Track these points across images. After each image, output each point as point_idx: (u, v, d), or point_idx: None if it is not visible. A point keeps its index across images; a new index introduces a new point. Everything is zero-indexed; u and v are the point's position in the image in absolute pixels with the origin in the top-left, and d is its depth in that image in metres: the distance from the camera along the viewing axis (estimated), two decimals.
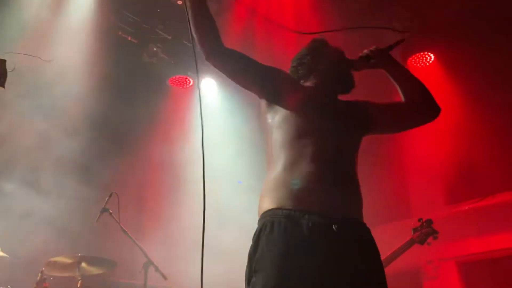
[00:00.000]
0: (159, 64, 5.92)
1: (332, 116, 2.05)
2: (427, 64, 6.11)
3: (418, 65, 6.13)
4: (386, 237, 4.16)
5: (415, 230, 3.49)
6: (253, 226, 1.90)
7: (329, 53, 2.27)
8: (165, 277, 3.90)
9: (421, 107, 2.20)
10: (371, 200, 6.30)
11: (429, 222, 3.49)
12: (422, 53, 5.99)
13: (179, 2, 5.51)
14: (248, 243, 1.86)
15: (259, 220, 1.84)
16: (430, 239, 3.46)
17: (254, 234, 1.82)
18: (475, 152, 5.81)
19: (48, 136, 4.66)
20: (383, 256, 3.34)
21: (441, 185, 6.38)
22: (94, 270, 4.13)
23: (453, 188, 6.27)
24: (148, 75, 5.99)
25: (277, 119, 2.02)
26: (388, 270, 3.33)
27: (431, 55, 6.00)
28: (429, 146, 6.49)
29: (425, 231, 3.46)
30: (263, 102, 2.12)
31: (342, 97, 2.25)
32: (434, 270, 6.11)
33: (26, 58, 3.80)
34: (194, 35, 2.10)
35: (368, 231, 1.93)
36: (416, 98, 2.19)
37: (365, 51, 2.25)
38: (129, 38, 5.71)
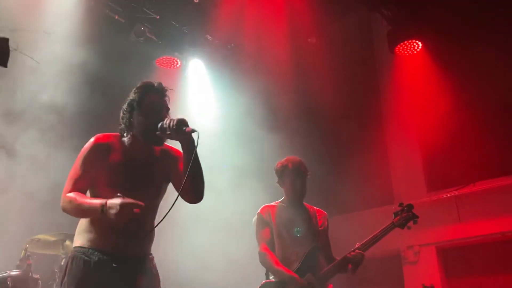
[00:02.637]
0: (146, 44, 5.86)
1: (136, 171, 2.38)
2: (415, 52, 6.13)
3: (406, 53, 6.15)
4: (370, 222, 4.24)
5: (395, 214, 3.54)
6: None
7: (142, 112, 2.42)
8: None
9: (186, 188, 2.34)
10: (355, 187, 6.43)
11: (410, 206, 3.54)
12: (410, 41, 6.00)
13: None
14: None
15: (69, 255, 2.34)
16: (410, 223, 3.51)
17: (65, 265, 2.34)
18: (457, 140, 5.91)
19: (33, 110, 4.62)
20: (365, 239, 3.42)
21: (424, 173, 6.48)
22: None
23: (435, 176, 6.38)
24: (135, 55, 5.92)
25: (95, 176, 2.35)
26: (369, 253, 3.41)
27: (419, 43, 6.01)
28: (413, 134, 6.57)
29: (405, 215, 3.50)
30: None
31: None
32: (414, 255, 6.24)
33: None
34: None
35: (151, 262, 2.44)
36: (188, 181, 2.31)
37: (166, 121, 2.33)
38: (116, 17, 5.63)
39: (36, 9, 4.93)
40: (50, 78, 4.84)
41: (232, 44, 6.32)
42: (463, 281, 5.95)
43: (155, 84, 2.51)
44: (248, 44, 6.06)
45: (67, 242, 3.96)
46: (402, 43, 6.01)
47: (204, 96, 6.53)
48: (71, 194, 2.24)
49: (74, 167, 2.35)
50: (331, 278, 3.37)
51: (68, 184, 2.30)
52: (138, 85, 2.52)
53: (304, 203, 3.61)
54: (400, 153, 6.69)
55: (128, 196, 2.17)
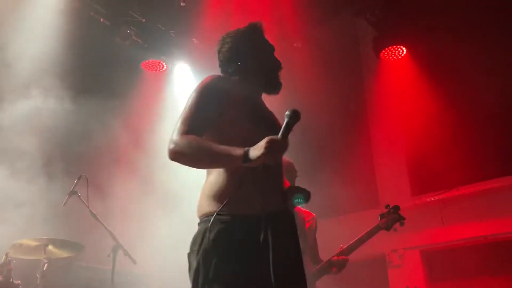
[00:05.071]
0: (132, 47, 5.83)
1: (266, 123, 2.09)
2: (400, 57, 6.21)
3: (391, 58, 6.23)
4: (354, 225, 4.26)
5: (382, 216, 3.52)
6: None
7: (260, 53, 2.20)
8: (134, 261, 3.88)
9: None
10: (341, 191, 6.44)
11: (396, 208, 3.52)
12: (394, 47, 6.08)
13: None
14: None
15: (205, 221, 1.90)
16: (396, 226, 3.50)
17: (201, 234, 1.89)
18: (442, 145, 5.98)
19: (14, 116, 4.55)
20: (349, 242, 3.43)
21: (408, 177, 6.53)
22: (60, 253, 4.07)
23: (420, 180, 6.44)
24: (120, 58, 5.89)
25: (224, 123, 2.00)
26: (354, 257, 3.41)
27: (403, 48, 6.09)
28: (398, 139, 6.63)
29: (392, 218, 3.49)
30: None
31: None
32: (398, 259, 6.29)
33: None
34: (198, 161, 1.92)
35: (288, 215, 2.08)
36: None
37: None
38: (102, 20, 5.59)
39: (19, 10, 4.87)
40: (32, 79, 4.78)
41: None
42: (447, 284, 6.00)
43: (259, 25, 2.27)
44: None
45: (50, 247, 3.90)
46: (387, 49, 6.08)
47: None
48: (191, 136, 1.84)
49: (189, 106, 1.95)
50: (317, 279, 3.37)
51: (182, 124, 1.90)
52: (249, 26, 2.25)
53: None
54: (385, 157, 6.74)
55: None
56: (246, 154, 1.77)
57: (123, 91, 5.86)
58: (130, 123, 5.74)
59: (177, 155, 1.87)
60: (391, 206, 3.56)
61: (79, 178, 3.98)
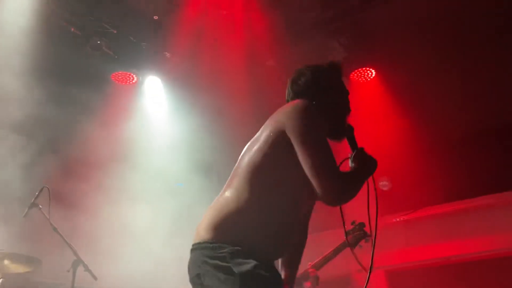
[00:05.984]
0: (102, 58, 5.75)
1: None
2: (369, 79, 6.33)
3: (360, 80, 6.34)
4: (322, 244, 4.27)
5: (347, 233, 3.55)
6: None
7: (338, 96, 2.14)
8: (95, 277, 3.76)
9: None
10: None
11: (362, 225, 3.58)
12: (363, 69, 6.20)
13: None
14: None
15: (243, 254, 1.74)
16: (362, 242, 3.53)
17: (245, 274, 1.72)
18: (407, 166, 6.09)
19: None
20: (316, 259, 3.43)
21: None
22: (17, 268, 3.91)
23: (385, 201, 6.52)
24: (90, 69, 5.80)
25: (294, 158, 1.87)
26: (320, 276, 3.41)
27: (372, 70, 6.22)
28: None
29: (357, 234, 3.54)
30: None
31: None
32: (364, 278, 6.32)
33: None
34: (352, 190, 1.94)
35: None
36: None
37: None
38: (72, 29, 5.51)
39: None
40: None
41: (190, 63, 6.30)
42: None
43: (339, 66, 2.16)
44: (206, 64, 6.06)
45: (6, 262, 3.74)
46: (356, 70, 6.20)
47: (158, 113, 6.46)
48: (340, 174, 1.82)
49: (318, 144, 1.87)
50: None
51: (327, 169, 1.81)
52: (330, 64, 2.15)
53: None
54: None
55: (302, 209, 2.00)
56: (369, 167, 1.96)
57: (92, 102, 5.76)
58: (98, 135, 5.63)
59: (345, 196, 1.90)
60: (356, 222, 3.60)
61: (41, 190, 3.87)
